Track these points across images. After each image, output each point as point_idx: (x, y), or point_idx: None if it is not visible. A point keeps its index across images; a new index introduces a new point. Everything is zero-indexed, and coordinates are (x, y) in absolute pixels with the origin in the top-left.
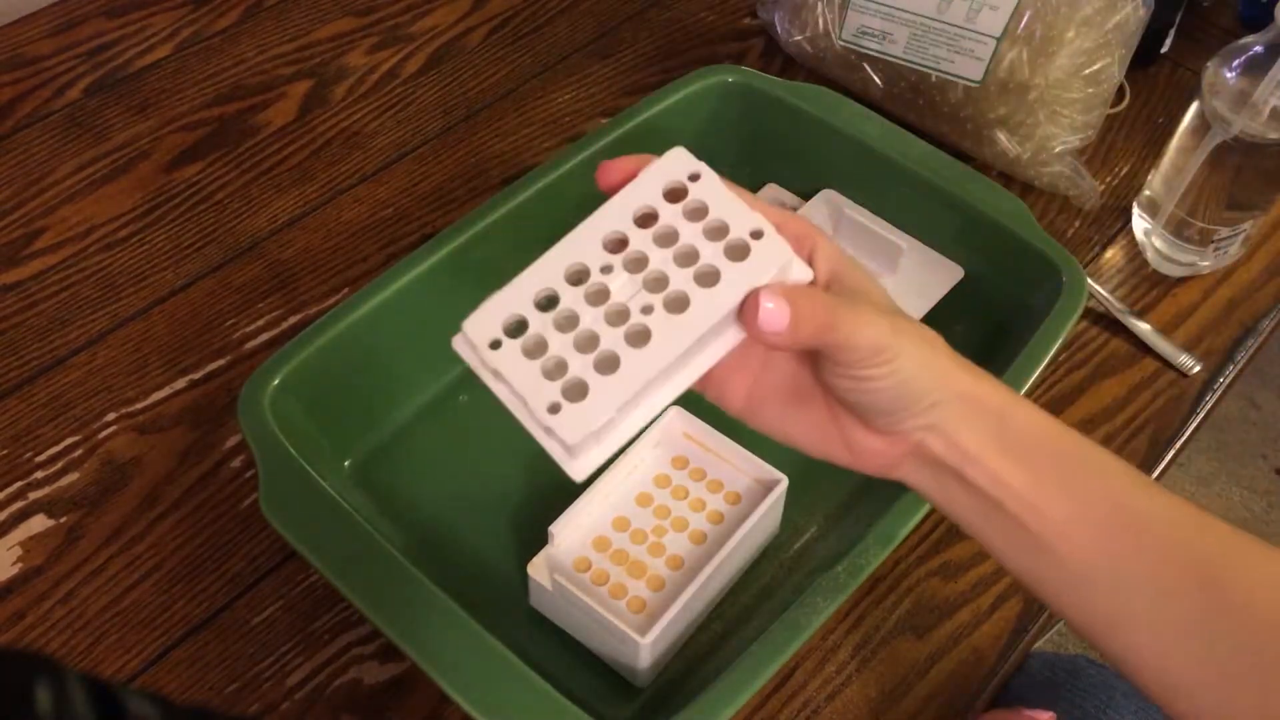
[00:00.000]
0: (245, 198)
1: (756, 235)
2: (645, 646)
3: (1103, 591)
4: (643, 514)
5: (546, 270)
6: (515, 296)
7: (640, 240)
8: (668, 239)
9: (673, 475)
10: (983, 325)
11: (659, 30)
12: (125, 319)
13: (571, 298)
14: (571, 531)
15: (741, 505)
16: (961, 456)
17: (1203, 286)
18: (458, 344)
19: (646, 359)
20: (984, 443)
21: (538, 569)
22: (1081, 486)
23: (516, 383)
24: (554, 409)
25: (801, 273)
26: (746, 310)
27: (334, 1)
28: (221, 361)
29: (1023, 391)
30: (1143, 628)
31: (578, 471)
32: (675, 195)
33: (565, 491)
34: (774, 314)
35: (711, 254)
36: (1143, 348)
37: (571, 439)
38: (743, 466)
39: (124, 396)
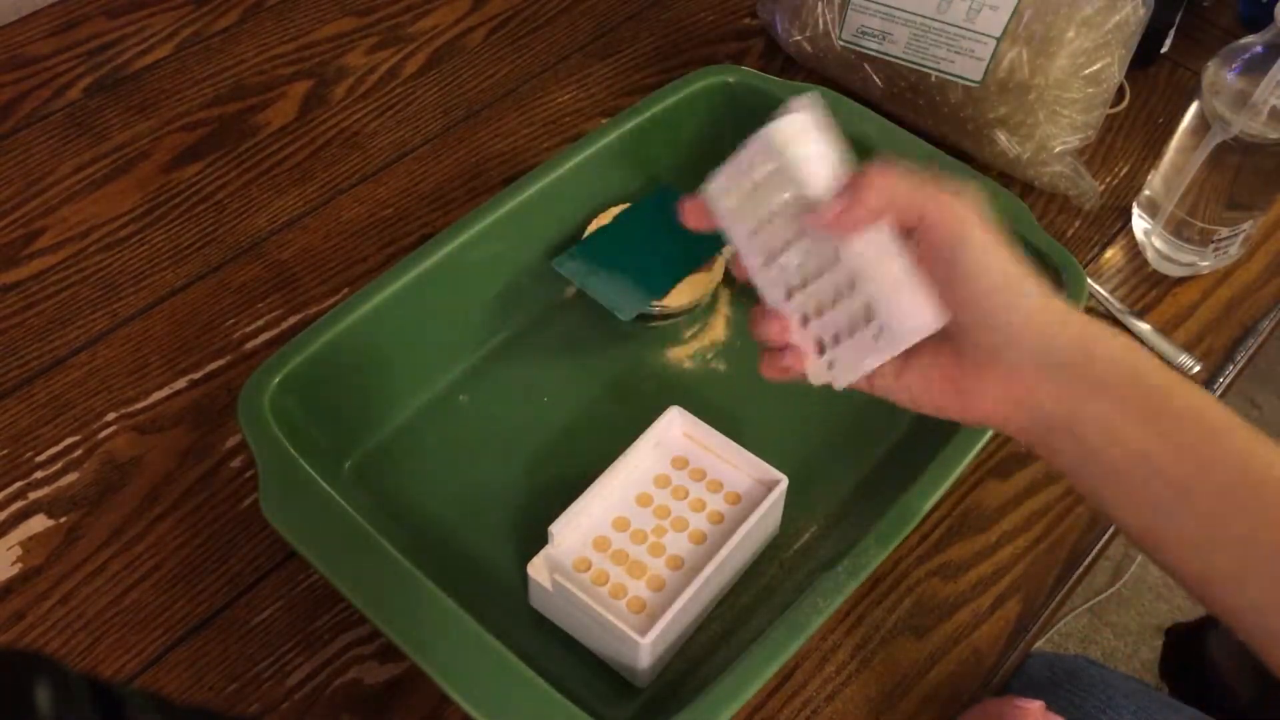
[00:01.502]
0: (245, 198)
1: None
2: (645, 646)
3: (1222, 550)
4: (643, 514)
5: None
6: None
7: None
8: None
9: (672, 475)
10: None
11: (659, 30)
12: (125, 319)
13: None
14: (571, 531)
15: (741, 505)
16: (1070, 410)
17: (1203, 286)
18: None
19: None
20: (1096, 395)
21: (537, 569)
22: (1204, 448)
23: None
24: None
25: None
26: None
27: (334, 1)
28: (221, 361)
29: None
30: (1267, 585)
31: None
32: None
33: (565, 492)
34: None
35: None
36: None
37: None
38: (743, 466)
39: (124, 396)
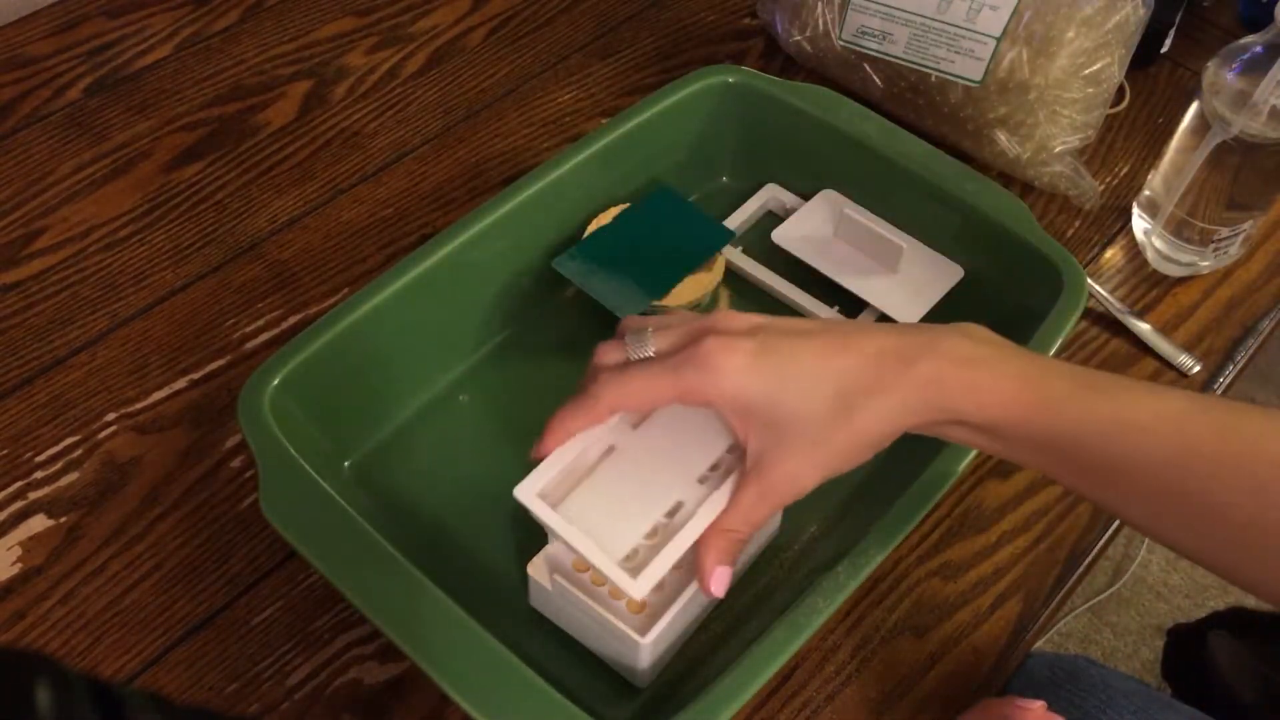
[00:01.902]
0: (245, 198)
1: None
2: (645, 646)
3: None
4: None
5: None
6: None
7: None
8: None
9: None
10: (983, 325)
11: (659, 30)
12: (125, 319)
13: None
14: None
15: None
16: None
17: (1203, 286)
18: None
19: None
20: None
21: (537, 569)
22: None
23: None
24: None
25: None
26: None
27: (334, 1)
28: (221, 361)
29: None
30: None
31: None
32: None
33: None
34: (721, 581)
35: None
36: (1143, 348)
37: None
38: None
39: (124, 396)
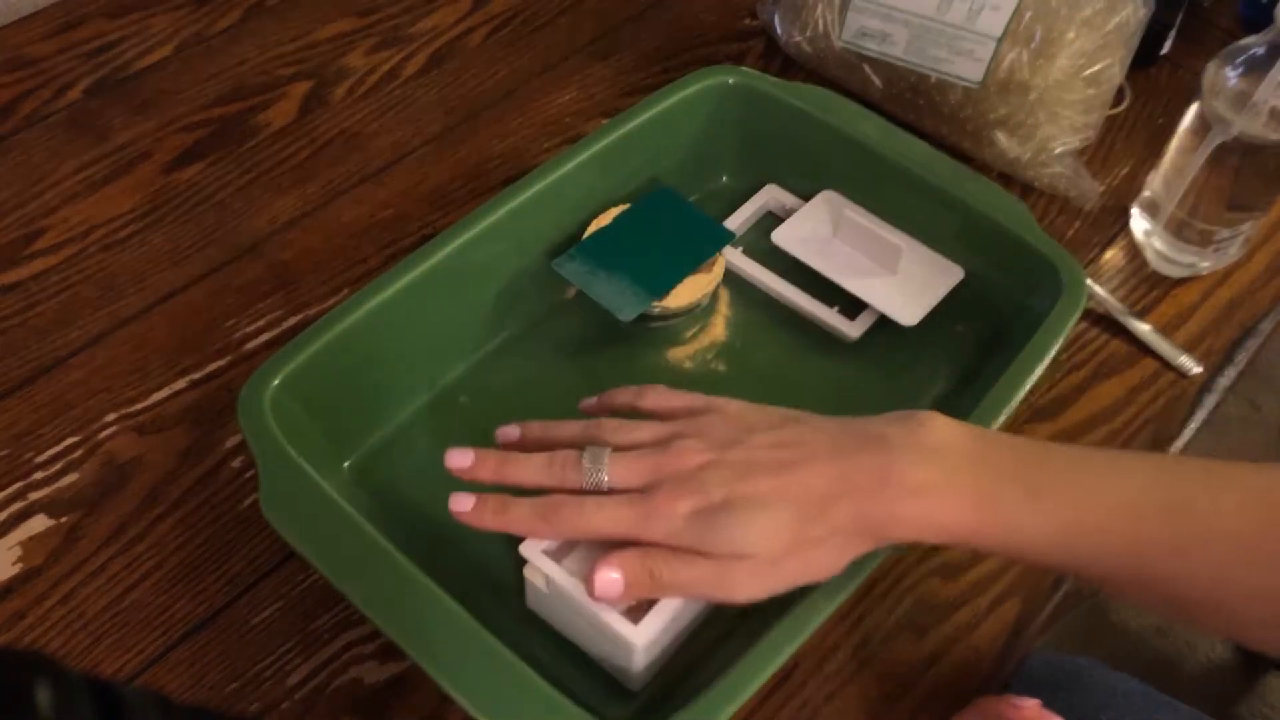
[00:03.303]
0: (245, 198)
1: None
2: (639, 649)
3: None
4: None
5: None
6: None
7: None
8: None
9: None
10: (982, 326)
11: (659, 30)
12: (125, 319)
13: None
14: None
15: None
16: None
17: (1202, 287)
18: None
19: None
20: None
21: (533, 571)
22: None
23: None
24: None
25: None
26: None
27: (334, 2)
28: (222, 362)
29: (1022, 392)
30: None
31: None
32: None
33: None
34: (606, 587)
35: None
36: (1143, 349)
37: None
38: None
39: (124, 396)
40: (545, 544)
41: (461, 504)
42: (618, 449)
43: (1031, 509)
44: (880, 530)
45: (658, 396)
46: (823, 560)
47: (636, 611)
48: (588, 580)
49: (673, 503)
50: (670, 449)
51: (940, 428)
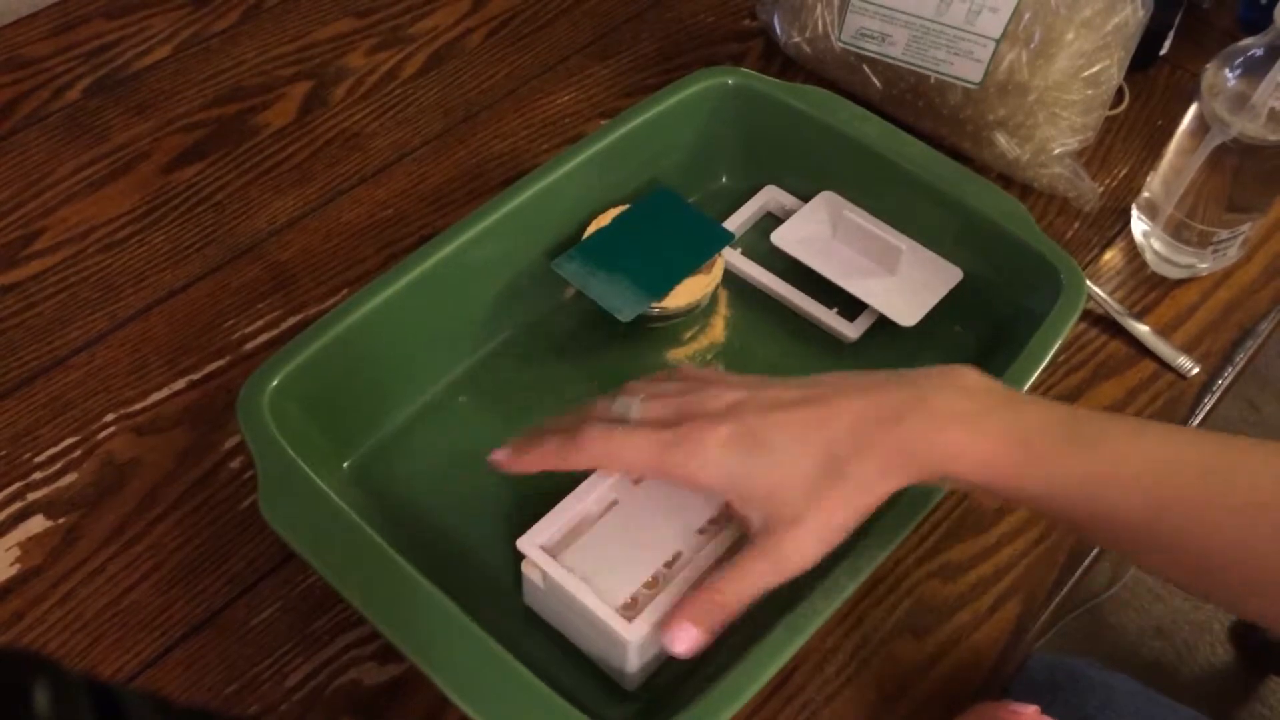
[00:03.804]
0: (245, 198)
1: None
2: (634, 646)
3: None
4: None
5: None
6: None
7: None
8: None
9: None
10: (982, 327)
11: (659, 31)
12: (125, 319)
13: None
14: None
15: None
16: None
17: (1201, 288)
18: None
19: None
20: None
21: (531, 566)
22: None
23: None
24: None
25: None
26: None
27: (334, 2)
28: (221, 362)
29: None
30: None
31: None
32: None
33: (564, 492)
34: (685, 639)
35: None
36: (1142, 350)
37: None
38: None
39: (123, 397)
40: (543, 539)
41: (498, 454)
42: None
43: (1060, 455)
44: (918, 460)
45: (681, 373)
46: (856, 496)
47: (631, 610)
48: (664, 640)
49: (704, 431)
50: (701, 391)
51: (975, 375)
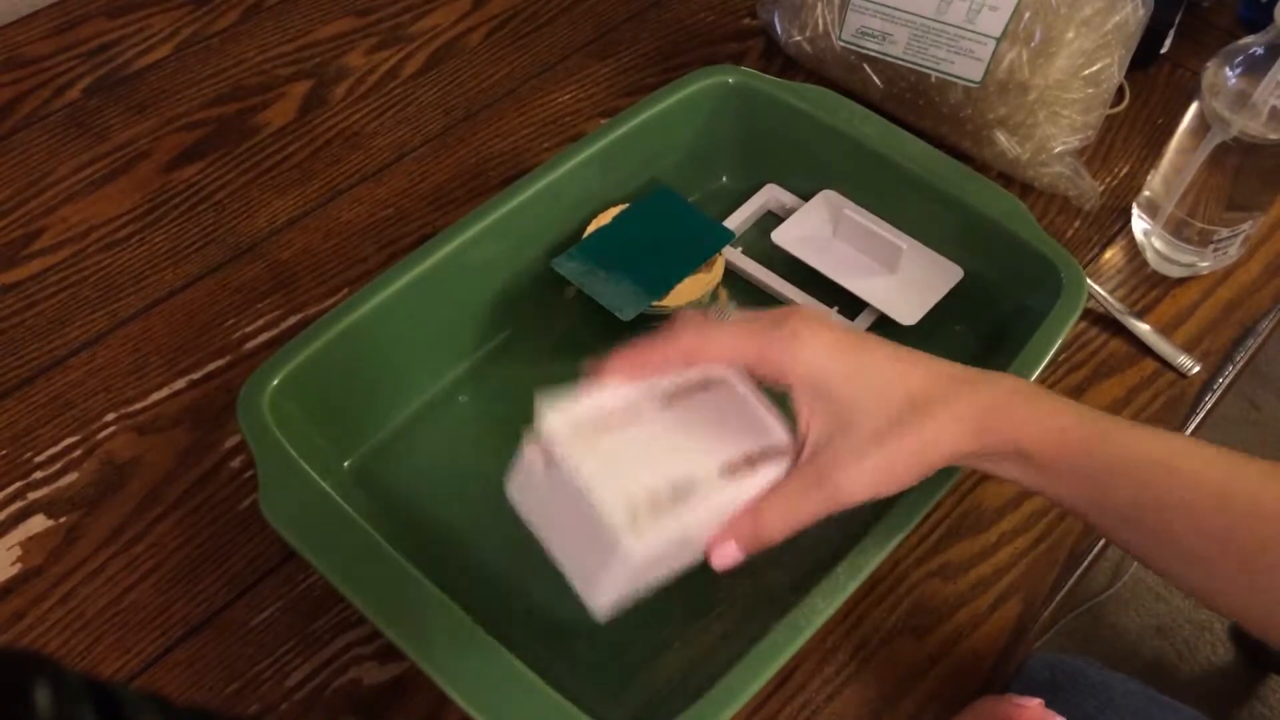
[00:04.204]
0: (245, 198)
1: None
2: (633, 559)
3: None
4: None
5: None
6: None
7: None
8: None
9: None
10: (982, 326)
11: (659, 30)
12: (125, 319)
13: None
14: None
15: (775, 463)
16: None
17: (1202, 287)
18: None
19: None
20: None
21: (535, 449)
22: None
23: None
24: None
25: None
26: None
27: (334, 1)
28: (221, 362)
29: None
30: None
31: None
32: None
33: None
34: (727, 559)
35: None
36: (1142, 348)
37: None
38: (787, 433)
39: (124, 396)
40: (559, 421)
41: (601, 366)
42: None
43: (1131, 435)
44: (990, 422)
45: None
46: (933, 440)
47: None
48: (706, 553)
49: (812, 325)
50: (798, 306)
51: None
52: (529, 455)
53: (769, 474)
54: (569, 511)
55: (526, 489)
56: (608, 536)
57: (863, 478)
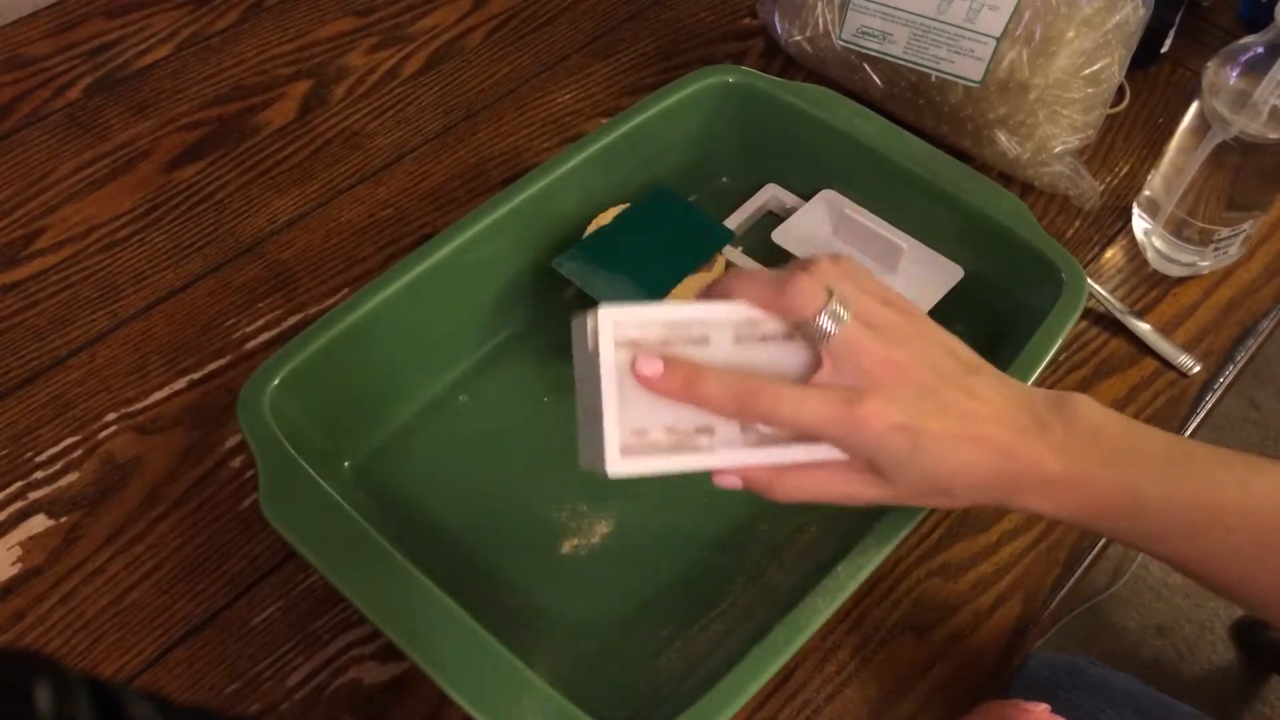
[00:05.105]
0: (245, 198)
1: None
2: (609, 473)
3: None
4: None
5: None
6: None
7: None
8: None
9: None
10: (983, 325)
11: (659, 30)
12: (125, 319)
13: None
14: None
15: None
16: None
17: (1202, 286)
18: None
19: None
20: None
21: (592, 330)
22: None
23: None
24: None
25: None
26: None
27: (334, 1)
28: (221, 361)
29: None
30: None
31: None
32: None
33: (565, 492)
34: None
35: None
36: (1143, 348)
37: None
38: None
39: (124, 396)
40: (626, 317)
41: (650, 367)
42: None
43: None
44: (1048, 492)
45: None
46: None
47: (641, 438)
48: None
49: (880, 405)
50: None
51: (1095, 407)
52: (575, 325)
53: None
54: (590, 396)
55: (578, 351)
56: (602, 444)
57: (883, 492)
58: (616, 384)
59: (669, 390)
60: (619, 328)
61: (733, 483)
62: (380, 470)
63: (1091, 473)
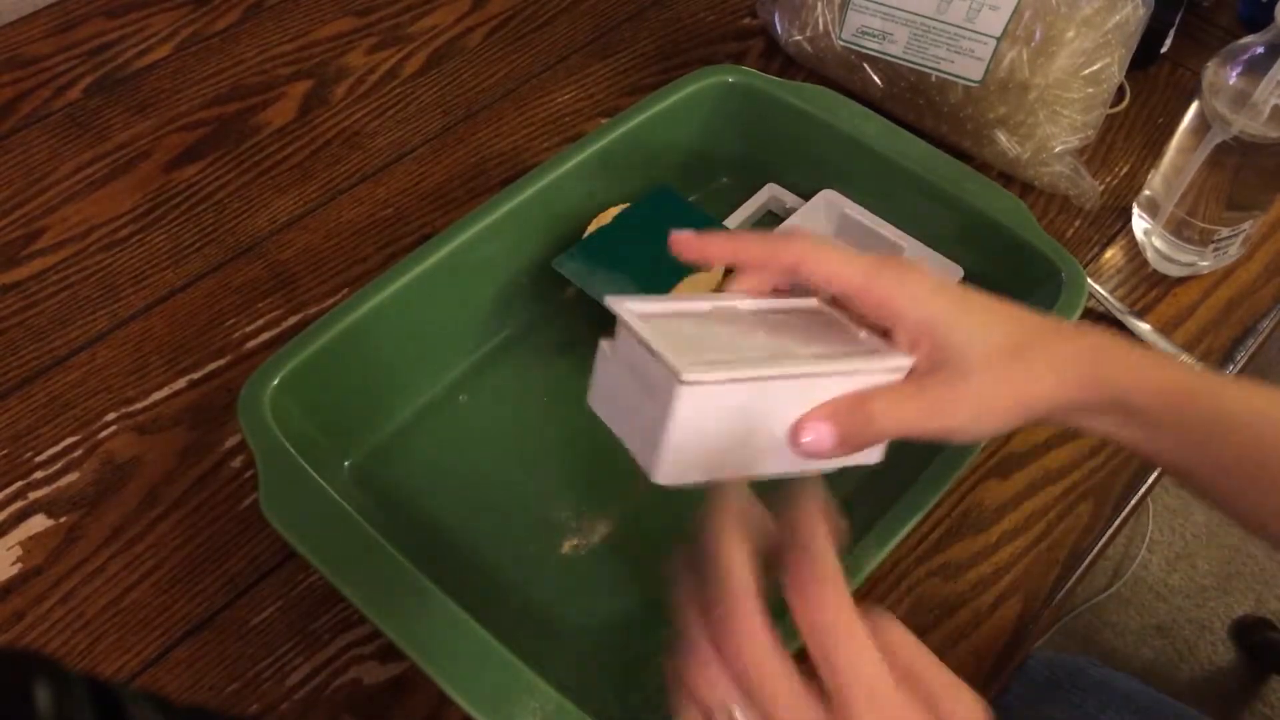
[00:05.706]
0: (245, 198)
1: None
2: (684, 395)
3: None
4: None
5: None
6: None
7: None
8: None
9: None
10: None
11: (659, 30)
12: (125, 319)
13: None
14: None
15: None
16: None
17: (1202, 286)
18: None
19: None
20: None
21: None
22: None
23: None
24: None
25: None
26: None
27: (334, 1)
28: (221, 361)
29: None
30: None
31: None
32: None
33: (565, 491)
34: (816, 443)
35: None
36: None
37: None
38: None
39: (124, 396)
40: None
41: (681, 235)
42: None
43: (1237, 386)
44: (1095, 362)
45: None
46: (1038, 380)
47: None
48: (793, 434)
49: (915, 270)
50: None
51: None
52: (602, 347)
53: (873, 375)
54: (633, 384)
55: (599, 387)
56: (664, 380)
57: (961, 404)
58: (648, 335)
59: (710, 251)
60: (634, 310)
61: (826, 438)
62: (380, 470)
63: (1136, 354)
